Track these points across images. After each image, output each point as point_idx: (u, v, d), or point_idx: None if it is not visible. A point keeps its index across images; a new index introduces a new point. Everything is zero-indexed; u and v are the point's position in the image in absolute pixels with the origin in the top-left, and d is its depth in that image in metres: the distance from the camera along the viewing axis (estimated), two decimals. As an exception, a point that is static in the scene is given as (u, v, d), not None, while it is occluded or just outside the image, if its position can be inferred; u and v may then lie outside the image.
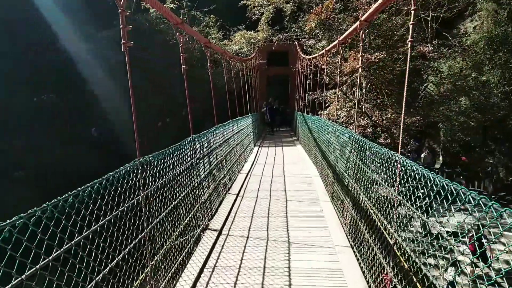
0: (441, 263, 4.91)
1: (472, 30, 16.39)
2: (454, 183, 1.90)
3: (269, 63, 24.17)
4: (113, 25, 18.66)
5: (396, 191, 2.80)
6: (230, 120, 8.14)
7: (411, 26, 2.92)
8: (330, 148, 6.52)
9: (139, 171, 2.86)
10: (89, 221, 2.18)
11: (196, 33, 5.88)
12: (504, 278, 4.90)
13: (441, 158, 18.59)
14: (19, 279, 1.52)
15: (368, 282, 3.34)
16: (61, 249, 1.84)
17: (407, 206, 2.63)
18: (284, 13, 20.78)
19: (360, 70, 4.50)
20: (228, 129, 7.59)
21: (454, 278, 2.18)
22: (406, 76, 2.95)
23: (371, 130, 15.26)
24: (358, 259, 3.78)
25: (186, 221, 3.99)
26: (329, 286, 3.31)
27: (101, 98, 18.10)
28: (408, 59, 3.02)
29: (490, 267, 7.34)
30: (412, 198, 2.53)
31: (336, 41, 6.11)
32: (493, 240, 4.84)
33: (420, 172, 2.30)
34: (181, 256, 3.71)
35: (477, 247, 6.15)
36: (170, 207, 3.49)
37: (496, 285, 1.65)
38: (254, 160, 10.42)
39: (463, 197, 1.73)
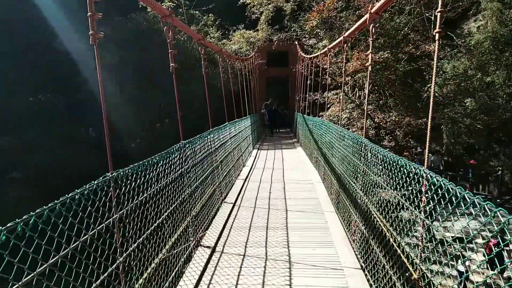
0: None
1: (476, 30, 16.01)
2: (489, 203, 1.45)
3: (268, 63, 23.77)
4: (110, 24, 18.30)
5: (423, 214, 2.32)
6: (227, 123, 7.65)
7: (438, 15, 2.44)
8: (333, 153, 6.04)
9: (112, 188, 2.38)
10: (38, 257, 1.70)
11: (187, 28, 5.39)
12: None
13: (442, 161, 18.22)
14: None
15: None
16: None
17: (437, 232, 2.14)
18: (284, 12, 20.35)
19: (370, 68, 4.03)
20: (224, 132, 7.10)
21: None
22: (434, 72, 2.47)
23: (374, 132, 14.81)
24: (371, 285, 3.29)
25: (174, 239, 3.50)
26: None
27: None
28: (436, 51, 2.54)
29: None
30: (444, 223, 2.05)
31: (341, 38, 5.62)
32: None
33: (457, 193, 1.82)
34: (167, 283, 3.21)
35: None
36: (153, 226, 3.00)
37: None
38: (253, 164, 9.93)
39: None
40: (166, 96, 19.03)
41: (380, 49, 13.15)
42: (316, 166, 8.69)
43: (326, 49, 7.90)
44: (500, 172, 16.12)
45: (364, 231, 3.65)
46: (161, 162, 3.30)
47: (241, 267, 3.74)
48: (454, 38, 16.12)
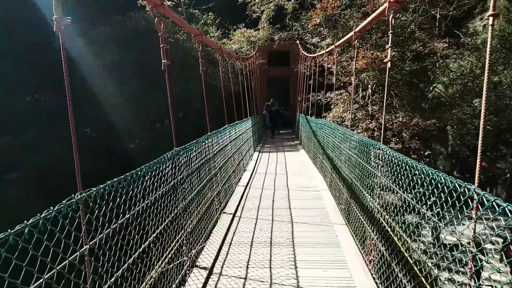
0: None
1: (482, 29, 15.61)
2: None
3: (269, 63, 23.32)
4: (108, 22, 17.98)
5: (473, 244, 1.83)
6: (227, 125, 7.16)
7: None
8: (342, 159, 5.55)
9: (81, 211, 1.89)
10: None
11: (182, 20, 4.88)
12: None
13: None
14: None
15: None
16: None
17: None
18: (285, 11, 19.87)
19: (389, 64, 3.52)
20: (224, 136, 6.61)
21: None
22: (486, 63, 1.99)
23: (379, 133, 14.32)
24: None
25: (163, 264, 3.02)
26: None
27: (101, 98, 17.75)
28: (489, 39, 2.07)
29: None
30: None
31: (351, 33, 5.13)
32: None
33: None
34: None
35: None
36: (137, 253, 2.52)
37: None
38: (254, 169, 9.44)
39: None
40: (166, 96, 18.62)
41: (385, 48, 12.67)
42: (321, 171, 8.20)
43: (333, 46, 7.41)
44: (508, 175, 15.71)
45: (385, 252, 3.16)
46: (150, 173, 2.81)
47: (242, 294, 3.26)
48: (461, 36, 15.69)
